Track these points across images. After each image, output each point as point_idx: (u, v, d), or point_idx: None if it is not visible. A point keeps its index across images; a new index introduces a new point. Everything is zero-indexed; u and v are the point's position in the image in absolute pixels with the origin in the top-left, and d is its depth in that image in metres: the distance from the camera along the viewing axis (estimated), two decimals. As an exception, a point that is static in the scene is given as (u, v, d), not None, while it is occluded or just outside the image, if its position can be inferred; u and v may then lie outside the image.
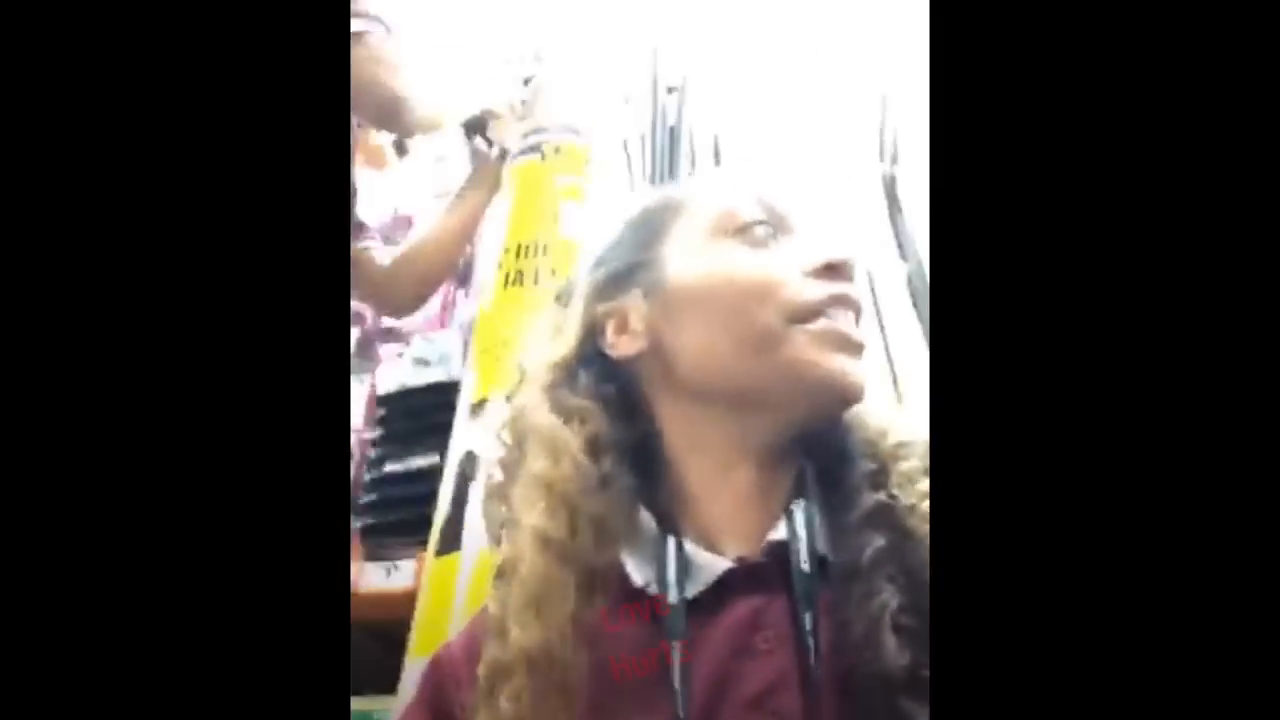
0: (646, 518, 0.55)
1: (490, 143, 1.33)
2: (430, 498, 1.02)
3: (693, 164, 1.62)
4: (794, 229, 0.57)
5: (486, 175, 1.32)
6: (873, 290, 1.24)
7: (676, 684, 0.46)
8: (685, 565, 0.51)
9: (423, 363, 1.30)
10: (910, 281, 1.31)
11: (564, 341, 0.59)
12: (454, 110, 1.36)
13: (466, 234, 1.33)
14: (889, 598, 0.45)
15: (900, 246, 1.42)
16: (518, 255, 1.17)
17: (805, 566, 0.49)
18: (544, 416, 0.55)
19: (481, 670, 0.50)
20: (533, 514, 0.52)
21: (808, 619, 0.47)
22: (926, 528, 0.47)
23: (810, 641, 0.46)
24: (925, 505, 0.48)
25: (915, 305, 1.29)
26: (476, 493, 0.95)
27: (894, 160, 1.62)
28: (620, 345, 0.58)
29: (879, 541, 0.48)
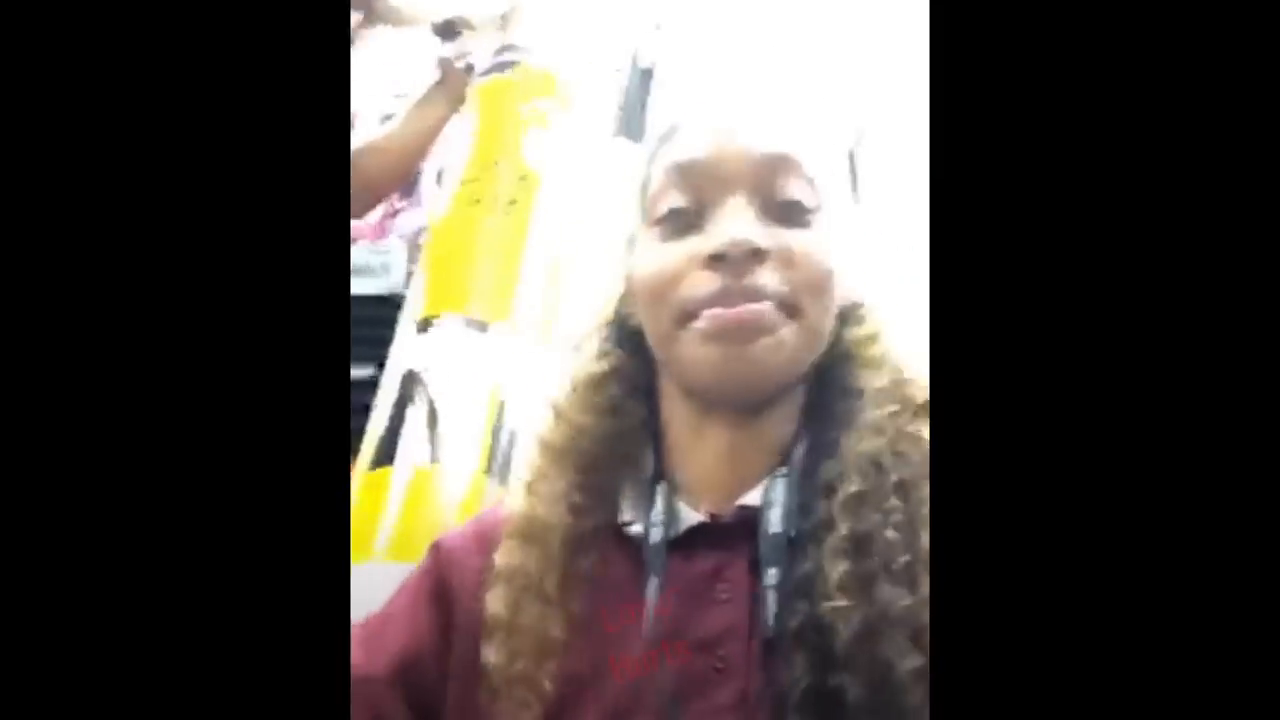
0: (648, 458, 0.57)
1: (460, 56, 1.27)
2: (363, 410, 0.99)
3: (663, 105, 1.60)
4: (721, 207, 0.53)
5: (451, 88, 1.26)
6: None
7: (649, 616, 0.49)
8: (670, 510, 0.53)
9: (363, 271, 1.25)
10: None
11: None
12: (427, 9, 1.29)
13: (422, 146, 1.28)
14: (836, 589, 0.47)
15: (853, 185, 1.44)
16: (479, 176, 1.14)
17: (773, 529, 0.50)
18: (568, 399, 0.59)
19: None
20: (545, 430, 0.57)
21: (771, 574, 0.48)
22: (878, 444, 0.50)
23: (769, 596, 0.48)
24: (839, 575, 0.47)
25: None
26: (416, 413, 0.93)
27: (859, 139, 1.63)
28: (629, 317, 0.60)
29: (839, 531, 0.49)
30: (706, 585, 0.50)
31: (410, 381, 0.96)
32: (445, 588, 0.56)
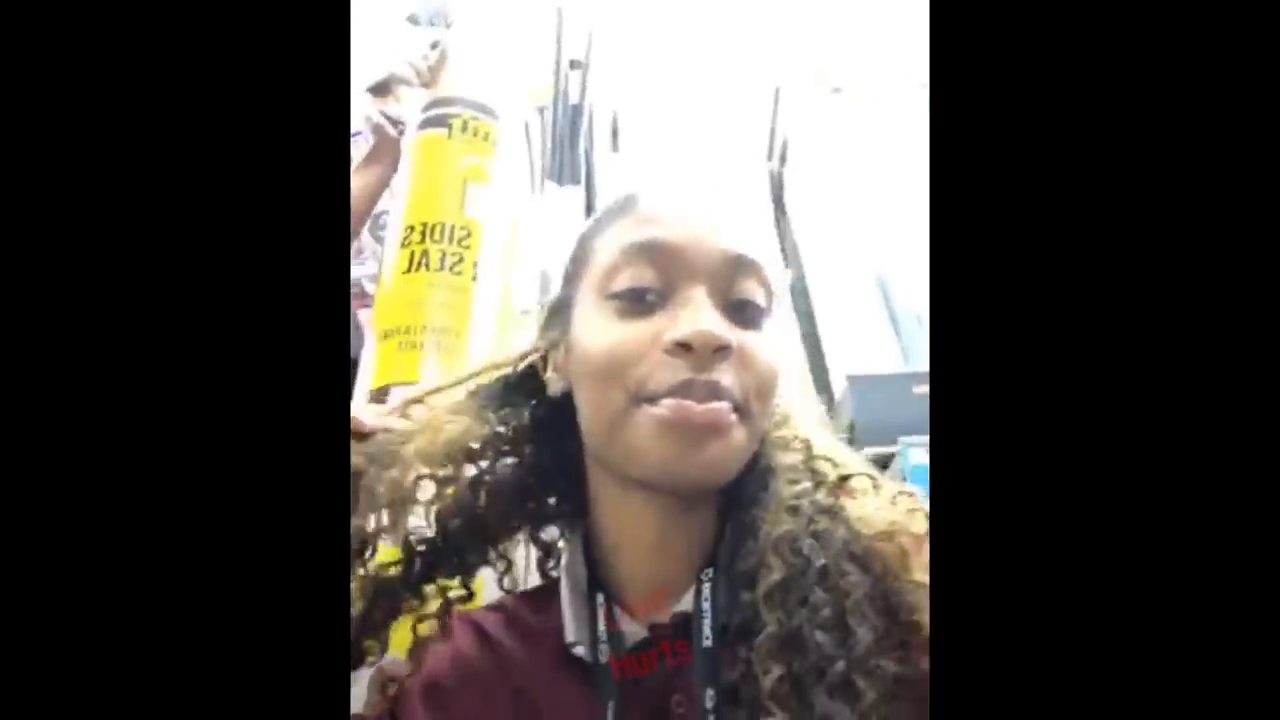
0: (579, 571, 0.56)
1: (393, 121, 1.28)
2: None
3: (591, 143, 1.64)
4: (687, 296, 0.52)
5: (385, 152, 1.28)
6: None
7: None
8: (612, 623, 0.53)
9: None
10: (792, 289, 1.40)
11: (510, 359, 0.60)
12: (360, 73, 1.30)
13: (358, 210, 1.29)
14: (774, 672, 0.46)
15: (784, 253, 1.51)
16: (422, 237, 1.15)
17: (707, 643, 0.50)
18: (461, 426, 0.57)
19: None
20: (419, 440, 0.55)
21: (708, 697, 0.48)
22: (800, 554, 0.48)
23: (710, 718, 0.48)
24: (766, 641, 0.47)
25: (795, 312, 1.38)
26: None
27: (782, 160, 1.70)
28: (550, 383, 0.58)
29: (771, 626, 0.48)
30: (662, 700, 0.51)
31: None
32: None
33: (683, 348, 0.50)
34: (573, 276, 0.58)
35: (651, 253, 0.52)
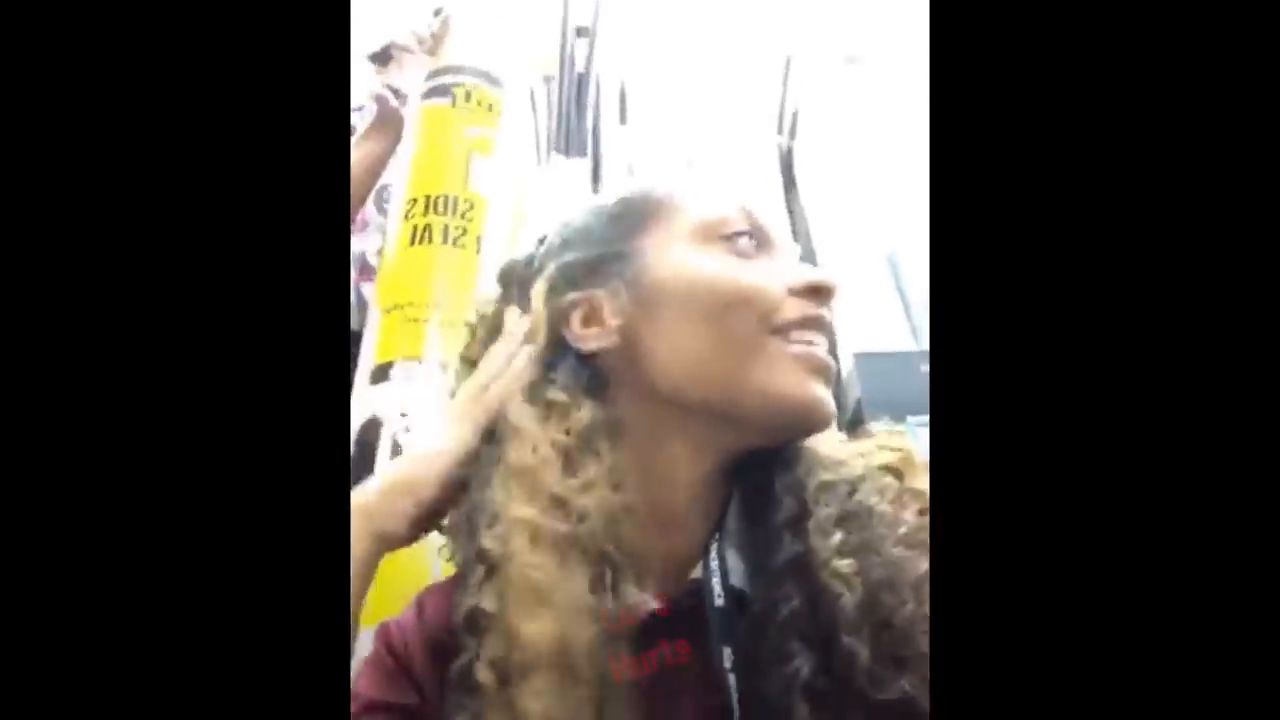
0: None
1: (395, 92, 1.25)
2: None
3: (598, 114, 1.61)
4: (775, 246, 0.57)
5: (388, 123, 1.25)
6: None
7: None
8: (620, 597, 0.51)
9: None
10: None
11: (536, 334, 0.58)
12: (361, 41, 1.27)
13: (361, 183, 1.26)
14: (801, 664, 0.46)
15: (793, 226, 1.49)
16: (425, 209, 1.14)
17: (719, 601, 0.50)
18: (521, 410, 0.55)
19: (484, 673, 0.49)
20: (517, 506, 0.51)
21: (725, 655, 0.48)
22: (839, 584, 0.48)
23: (729, 680, 0.47)
24: (838, 562, 0.49)
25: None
26: (381, 459, 0.95)
27: (792, 134, 1.67)
28: (588, 338, 0.56)
29: (793, 600, 0.48)
30: (671, 670, 0.50)
31: (372, 429, 0.98)
32: (398, 670, 0.55)
33: (813, 290, 0.54)
34: (626, 233, 0.58)
35: (752, 211, 0.57)
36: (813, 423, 0.54)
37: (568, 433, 0.54)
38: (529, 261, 0.62)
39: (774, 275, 0.55)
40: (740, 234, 0.56)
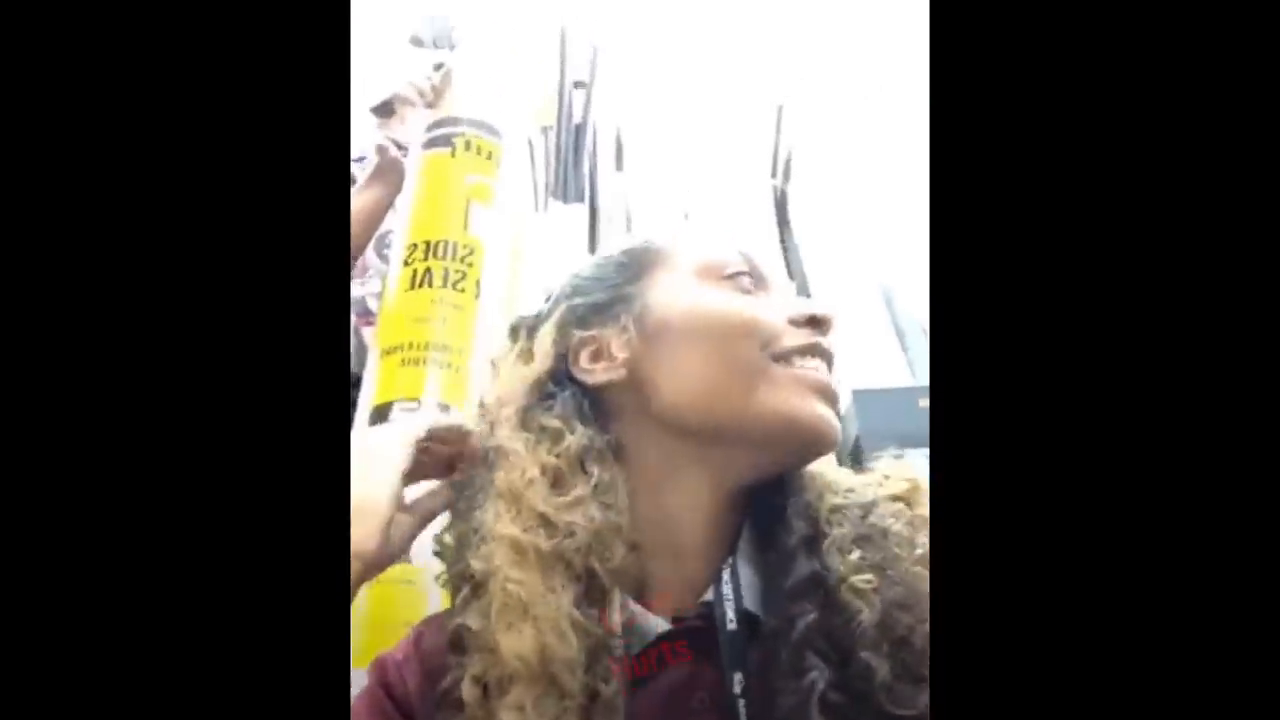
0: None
1: (397, 143, 1.29)
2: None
3: (594, 162, 1.65)
4: (773, 287, 0.60)
5: (389, 172, 1.28)
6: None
7: None
8: (630, 618, 0.51)
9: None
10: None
11: (537, 364, 0.59)
12: (363, 94, 1.31)
13: (361, 230, 1.29)
14: (818, 677, 0.46)
15: (788, 265, 1.51)
16: (426, 254, 1.16)
17: (731, 626, 0.50)
18: (513, 435, 0.56)
19: (468, 689, 0.49)
20: (503, 524, 0.52)
21: (735, 681, 0.48)
22: (858, 601, 0.48)
23: (739, 705, 0.47)
24: (856, 578, 0.49)
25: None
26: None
27: (786, 177, 1.70)
28: (597, 372, 0.57)
29: (810, 615, 0.48)
30: (681, 696, 0.50)
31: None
32: (393, 707, 0.55)
33: (812, 321, 0.57)
34: (631, 277, 0.60)
35: (748, 256, 0.61)
36: (820, 442, 0.55)
37: (558, 456, 0.54)
38: (538, 315, 0.63)
39: (775, 308, 0.57)
40: (740, 274, 0.58)
